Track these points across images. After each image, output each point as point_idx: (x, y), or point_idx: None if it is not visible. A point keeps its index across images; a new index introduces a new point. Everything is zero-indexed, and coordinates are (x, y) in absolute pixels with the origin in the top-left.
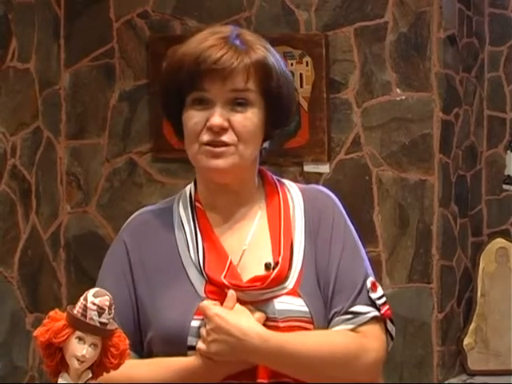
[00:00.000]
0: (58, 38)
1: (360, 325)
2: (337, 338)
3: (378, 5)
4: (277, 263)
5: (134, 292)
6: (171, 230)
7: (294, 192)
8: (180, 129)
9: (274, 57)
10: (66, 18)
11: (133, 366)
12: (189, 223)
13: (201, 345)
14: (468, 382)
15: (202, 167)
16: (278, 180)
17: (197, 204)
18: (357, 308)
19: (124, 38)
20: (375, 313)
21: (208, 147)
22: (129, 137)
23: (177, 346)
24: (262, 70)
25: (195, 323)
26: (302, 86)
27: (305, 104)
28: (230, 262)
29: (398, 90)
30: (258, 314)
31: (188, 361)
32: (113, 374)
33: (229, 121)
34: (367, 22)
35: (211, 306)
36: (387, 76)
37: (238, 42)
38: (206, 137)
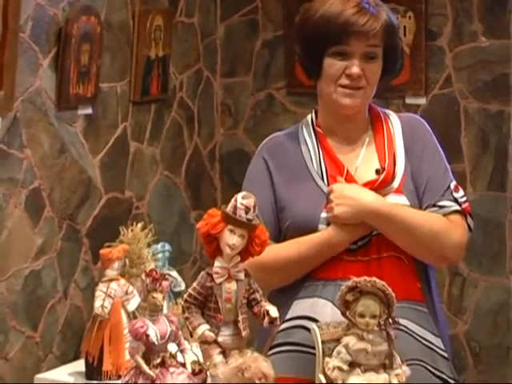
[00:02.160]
0: None
1: (445, 215)
2: (434, 216)
3: None
4: (383, 169)
5: (274, 193)
6: (298, 147)
7: (393, 119)
8: (313, 71)
9: (393, 16)
10: None
11: (277, 248)
12: (312, 143)
13: (327, 213)
14: None
15: (335, 102)
16: (381, 110)
17: (317, 129)
18: (443, 202)
19: None
20: (457, 207)
21: (344, 89)
22: (268, 76)
23: (309, 232)
24: (391, 30)
25: (323, 214)
26: (405, 36)
27: (407, 50)
28: (347, 170)
29: (482, 38)
30: None
31: (320, 235)
32: (263, 257)
33: (362, 70)
34: None
35: (336, 184)
36: (474, 27)
37: (370, 8)
38: (344, 81)
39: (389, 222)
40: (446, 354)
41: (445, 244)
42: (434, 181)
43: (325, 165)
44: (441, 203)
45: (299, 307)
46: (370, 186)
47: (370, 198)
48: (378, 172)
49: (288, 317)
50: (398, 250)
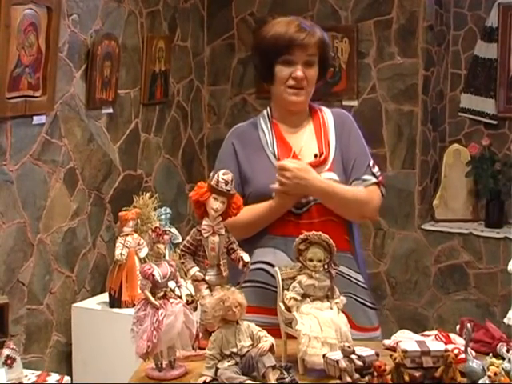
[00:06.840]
0: (203, 28)
1: (366, 186)
2: (357, 190)
3: (387, 7)
4: (321, 154)
5: (239, 169)
6: (257, 134)
7: (327, 113)
8: (267, 77)
9: (325, 34)
10: (208, 16)
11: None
12: (268, 130)
13: (277, 186)
14: (435, 225)
15: (285, 100)
16: (318, 107)
17: (273, 119)
18: (364, 177)
19: (240, 28)
20: (375, 180)
21: (291, 89)
22: (242, 84)
23: (265, 198)
24: (324, 44)
25: (276, 185)
26: (342, 55)
27: (344, 66)
28: (294, 152)
29: (398, 58)
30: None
31: (271, 202)
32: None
33: (304, 73)
34: (381, 17)
35: (288, 162)
36: (392, 49)
37: (307, 28)
38: (291, 82)
39: (328, 196)
40: (365, 286)
41: (365, 209)
42: (359, 161)
43: (277, 147)
44: (363, 177)
45: (260, 254)
46: (311, 164)
47: (317, 180)
48: (315, 156)
49: (252, 261)
50: (331, 214)
